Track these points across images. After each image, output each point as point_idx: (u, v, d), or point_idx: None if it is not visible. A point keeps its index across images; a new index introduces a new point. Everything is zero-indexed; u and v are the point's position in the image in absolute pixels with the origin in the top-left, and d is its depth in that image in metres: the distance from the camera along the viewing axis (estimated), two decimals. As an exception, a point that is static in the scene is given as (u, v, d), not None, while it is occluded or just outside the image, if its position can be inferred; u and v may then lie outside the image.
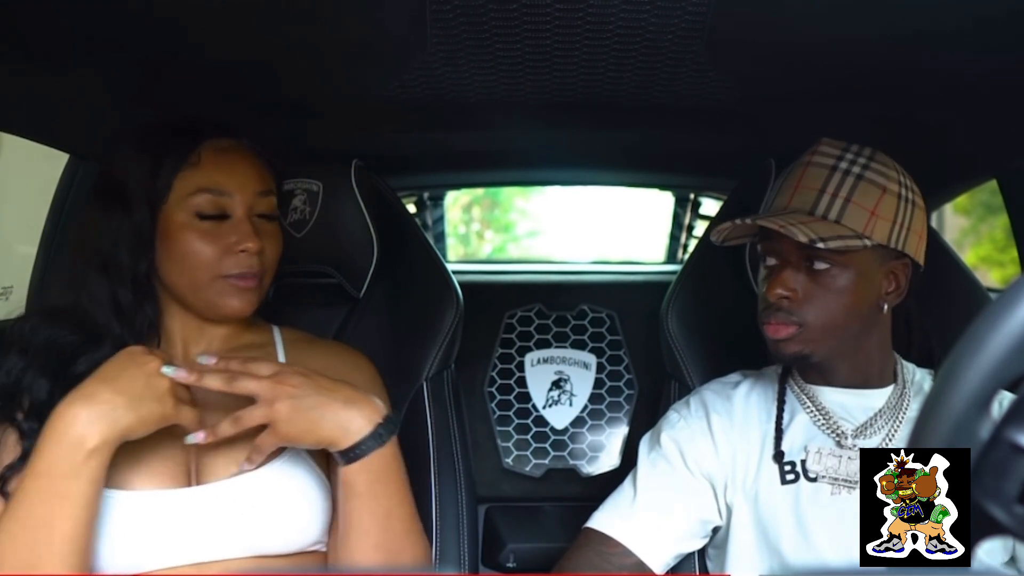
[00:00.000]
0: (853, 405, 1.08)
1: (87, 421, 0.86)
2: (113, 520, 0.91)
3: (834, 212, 1.01)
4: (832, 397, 1.09)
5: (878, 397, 1.08)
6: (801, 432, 1.08)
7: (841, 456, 1.05)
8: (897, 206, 1.03)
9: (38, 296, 1.34)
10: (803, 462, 1.06)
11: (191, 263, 0.99)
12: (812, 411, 1.09)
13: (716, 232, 1.08)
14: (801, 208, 1.03)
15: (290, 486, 0.97)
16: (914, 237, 1.05)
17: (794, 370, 1.13)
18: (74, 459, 0.85)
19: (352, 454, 0.92)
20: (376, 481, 0.93)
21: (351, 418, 0.92)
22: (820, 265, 1.01)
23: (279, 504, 0.96)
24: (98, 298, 0.98)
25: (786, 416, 1.10)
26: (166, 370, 0.91)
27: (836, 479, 1.04)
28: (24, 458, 0.92)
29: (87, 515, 0.86)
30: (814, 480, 1.05)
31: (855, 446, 1.05)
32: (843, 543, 1.01)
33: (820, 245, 0.97)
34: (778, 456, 1.07)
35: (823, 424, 1.07)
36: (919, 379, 1.12)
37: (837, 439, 1.06)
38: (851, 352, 1.06)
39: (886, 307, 1.06)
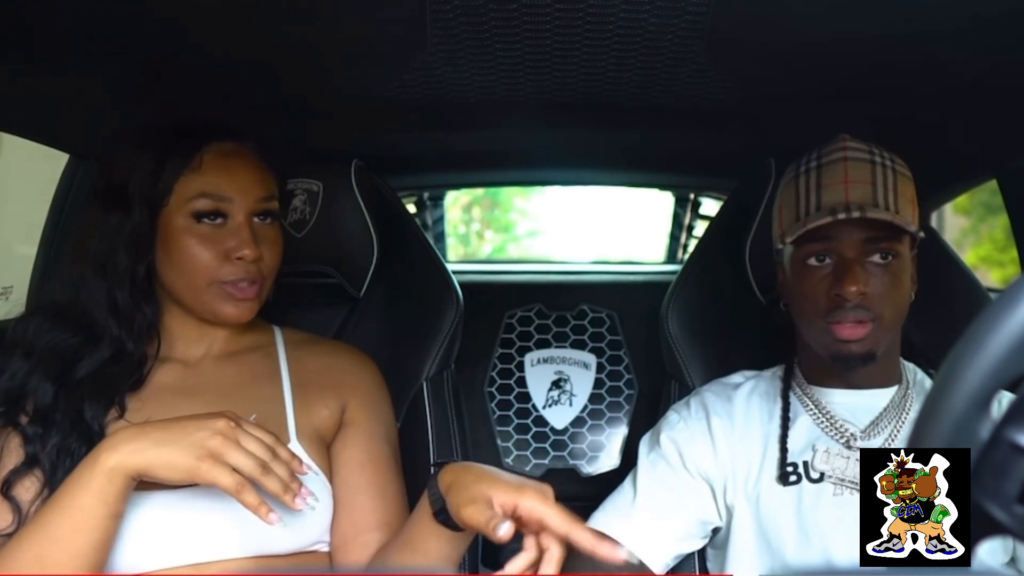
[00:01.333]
0: (858, 405, 1.08)
1: (114, 444, 0.85)
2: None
3: (892, 204, 1.01)
4: (837, 398, 1.08)
5: (883, 397, 1.08)
6: (804, 434, 1.08)
7: (849, 457, 1.04)
8: (915, 196, 1.05)
9: (38, 296, 1.34)
10: (806, 463, 1.06)
11: (189, 267, 0.99)
12: (815, 413, 1.08)
13: (795, 229, 1.02)
14: (863, 201, 1.01)
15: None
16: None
17: (797, 371, 1.12)
18: (90, 473, 0.84)
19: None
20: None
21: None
22: (886, 257, 1.01)
23: (279, 504, 0.96)
24: (96, 298, 0.98)
25: (790, 418, 1.09)
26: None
27: (843, 480, 1.04)
28: (28, 463, 0.92)
29: (98, 534, 0.85)
30: (817, 481, 1.05)
31: (863, 447, 1.05)
32: (845, 544, 1.00)
33: (921, 234, 0.99)
34: (782, 458, 1.06)
35: (827, 426, 1.07)
36: (920, 379, 1.12)
37: (845, 441, 1.05)
38: (893, 347, 1.07)
39: (913, 294, 1.06)
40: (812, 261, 1.03)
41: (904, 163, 1.06)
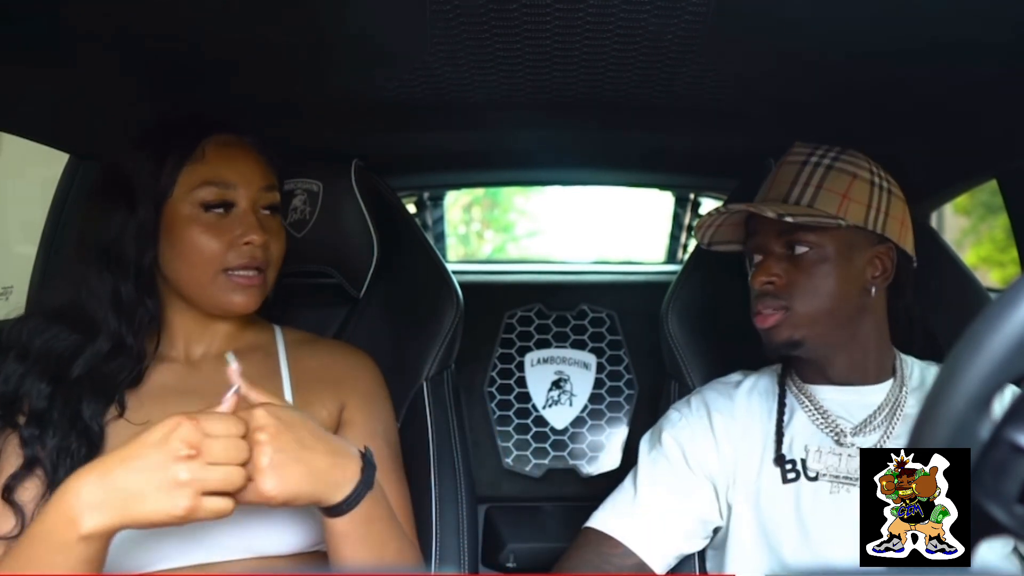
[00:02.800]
0: (851, 403, 1.08)
1: (87, 503, 0.77)
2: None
3: (806, 198, 1.06)
4: (829, 395, 1.09)
5: (876, 393, 1.08)
6: (801, 431, 1.08)
7: (841, 454, 1.05)
8: (870, 191, 1.06)
9: (38, 296, 1.34)
10: (803, 461, 1.06)
11: (196, 257, 0.99)
12: (810, 410, 1.09)
13: (700, 231, 1.12)
14: (775, 199, 1.08)
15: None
16: (894, 223, 1.07)
17: (793, 369, 1.13)
18: (66, 539, 0.77)
19: (342, 508, 0.86)
20: (366, 522, 0.88)
21: (336, 473, 0.85)
22: (800, 249, 1.04)
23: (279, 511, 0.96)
24: (98, 293, 0.98)
25: (786, 415, 1.10)
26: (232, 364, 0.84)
27: (836, 477, 1.04)
28: (28, 466, 0.92)
29: None
30: (814, 479, 1.05)
31: (854, 444, 1.05)
32: (843, 541, 1.01)
33: (788, 219, 1.00)
34: (779, 456, 1.07)
35: (821, 423, 1.07)
36: (919, 374, 1.12)
37: (836, 437, 1.06)
38: (845, 341, 1.07)
39: (874, 290, 1.07)
40: (755, 257, 1.10)
41: (859, 161, 1.08)
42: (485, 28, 0.93)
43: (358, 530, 0.88)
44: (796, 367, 1.12)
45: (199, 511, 0.78)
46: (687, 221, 2.48)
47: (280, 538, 0.95)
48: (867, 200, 1.05)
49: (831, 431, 1.06)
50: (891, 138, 1.11)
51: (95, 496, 0.77)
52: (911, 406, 1.07)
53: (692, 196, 2.40)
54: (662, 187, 2.34)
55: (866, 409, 1.07)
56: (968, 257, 6.31)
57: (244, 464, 0.80)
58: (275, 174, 1.06)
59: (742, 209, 1.06)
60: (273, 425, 0.82)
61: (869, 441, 1.06)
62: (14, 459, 0.93)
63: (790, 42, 0.98)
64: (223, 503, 0.79)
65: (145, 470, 0.77)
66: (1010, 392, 0.49)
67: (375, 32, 0.97)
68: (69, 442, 0.93)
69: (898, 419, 1.07)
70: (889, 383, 1.09)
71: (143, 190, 0.98)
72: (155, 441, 0.78)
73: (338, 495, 0.85)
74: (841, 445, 1.05)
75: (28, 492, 0.92)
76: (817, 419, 1.08)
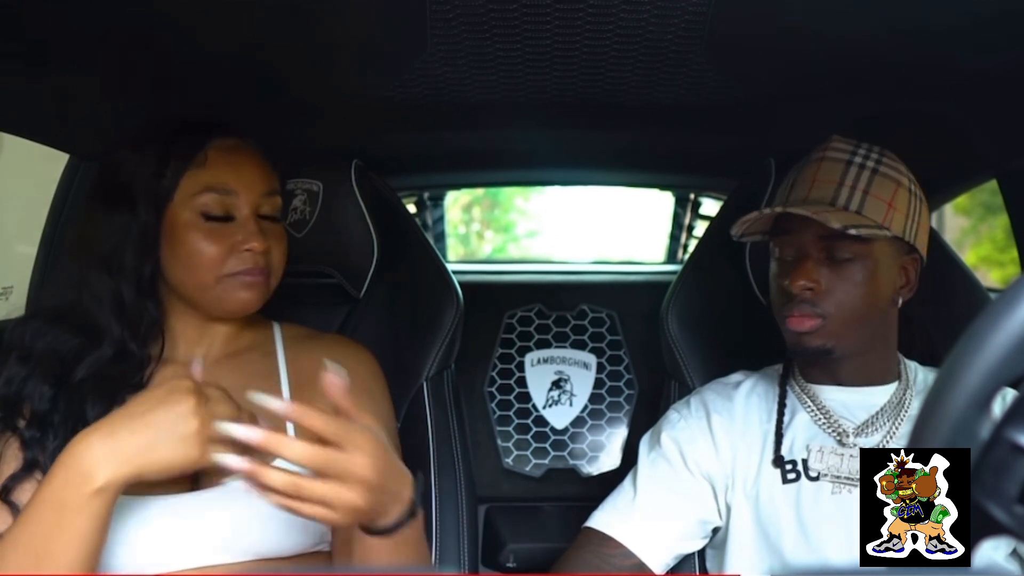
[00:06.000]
0: (854, 403, 1.08)
1: (99, 457, 0.80)
2: (116, 524, 0.90)
3: (854, 203, 1.02)
4: (833, 395, 1.09)
5: (880, 395, 1.08)
6: (802, 431, 1.08)
7: (843, 455, 1.05)
8: (909, 200, 1.05)
9: (38, 296, 1.34)
10: (804, 461, 1.06)
11: (196, 263, 0.99)
12: (812, 410, 1.09)
13: (739, 224, 1.07)
14: (822, 200, 1.03)
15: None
16: (923, 233, 1.07)
17: (795, 369, 1.13)
18: (80, 494, 0.80)
19: (383, 531, 0.84)
20: (401, 543, 0.85)
21: (387, 500, 0.82)
22: (842, 256, 1.02)
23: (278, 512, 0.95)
24: (100, 298, 0.98)
25: (787, 416, 1.10)
26: (226, 427, 0.80)
27: (838, 477, 1.04)
28: (27, 468, 0.92)
29: (89, 549, 0.82)
30: (815, 479, 1.05)
31: (856, 444, 1.05)
32: (844, 542, 1.01)
33: (852, 232, 0.98)
34: (778, 457, 1.07)
35: (824, 423, 1.07)
36: (922, 377, 1.12)
37: (839, 438, 1.06)
38: (867, 348, 1.06)
39: (900, 301, 1.07)
40: (778, 254, 1.07)
41: (899, 167, 1.06)
42: (485, 28, 0.93)
43: (387, 546, 0.85)
44: (801, 367, 1.12)
45: (206, 456, 0.81)
46: (687, 221, 2.48)
47: (280, 539, 0.95)
48: (907, 210, 1.04)
49: (833, 431, 1.06)
50: (891, 137, 1.11)
51: (102, 451, 0.80)
52: (916, 407, 1.07)
53: (692, 196, 2.40)
54: (662, 187, 2.34)
55: (869, 409, 1.07)
56: (968, 257, 6.31)
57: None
58: (277, 178, 1.06)
59: (804, 213, 1.00)
60: (372, 459, 0.78)
61: (872, 441, 1.06)
62: (14, 461, 0.93)
63: (789, 42, 0.98)
64: (224, 449, 0.80)
65: (153, 424, 0.81)
66: (1010, 392, 0.49)
67: (375, 32, 0.97)
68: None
69: (902, 420, 1.07)
70: (894, 385, 1.09)
71: (144, 195, 0.98)
72: (157, 400, 0.82)
73: (385, 520, 0.83)
74: (844, 445, 1.05)
75: (27, 494, 0.91)
76: (819, 419, 1.08)
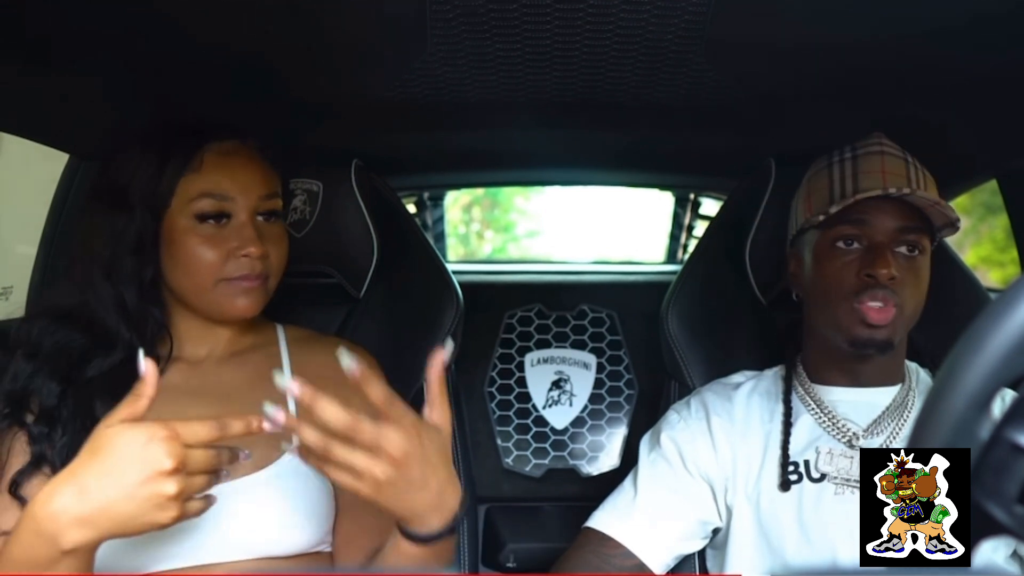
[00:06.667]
0: (859, 404, 1.08)
1: (68, 520, 0.75)
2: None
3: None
4: (838, 396, 1.09)
5: (884, 396, 1.08)
6: (805, 433, 1.08)
7: (853, 457, 1.04)
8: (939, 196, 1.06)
9: (38, 296, 1.34)
10: (807, 463, 1.06)
11: (194, 267, 0.99)
12: (816, 412, 1.08)
13: (836, 206, 1.03)
14: (900, 189, 1.02)
15: (294, 488, 0.97)
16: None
17: (799, 369, 1.12)
18: (50, 554, 0.76)
19: (421, 539, 0.83)
20: (432, 554, 0.84)
21: (429, 507, 0.81)
22: (911, 251, 1.02)
23: (283, 506, 0.96)
24: (104, 299, 0.98)
25: (791, 422, 1.09)
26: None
27: (847, 480, 1.03)
28: (35, 463, 0.92)
29: None
30: (818, 480, 1.05)
31: (866, 447, 1.05)
32: (846, 543, 1.00)
33: (960, 224, 1.00)
34: (786, 458, 1.06)
35: (828, 425, 1.07)
36: (924, 377, 1.12)
37: (847, 440, 1.05)
38: (902, 346, 1.07)
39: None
40: (841, 244, 1.04)
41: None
42: (485, 28, 0.93)
43: (419, 555, 0.84)
44: (817, 365, 1.11)
45: (183, 517, 0.78)
46: (687, 221, 2.48)
47: (281, 538, 0.95)
48: None
49: (839, 433, 1.06)
50: (891, 138, 1.11)
51: (72, 513, 0.75)
52: (920, 408, 1.07)
53: (692, 196, 2.40)
54: (662, 187, 2.34)
55: (873, 410, 1.07)
56: (968, 257, 6.31)
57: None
58: (276, 180, 1.06)
59: (924, 203, 1.00)
60: (404, 454, 0.77)
61: (876, 442, 1.05)
62: (22, 456, 0.93)
63: (789, 42, 0.98)
64: (202, 504, 0.81)
65: (128, 487, 0.75)
66: (1009, 393, 0.49)
67: (375, 32, 0.97)
68: (79, 440, 0.92)
69: (905, 420, 1.07)
70: (898, 386, 1.09)
71: (141, 200, 0.98)
72: (132, 456, 0.75)
73: (425, 528, 0.82)
74: (853, 447, 1.05)
75: (34, 489, 0.91)
76: (823, 421, 1.07)
